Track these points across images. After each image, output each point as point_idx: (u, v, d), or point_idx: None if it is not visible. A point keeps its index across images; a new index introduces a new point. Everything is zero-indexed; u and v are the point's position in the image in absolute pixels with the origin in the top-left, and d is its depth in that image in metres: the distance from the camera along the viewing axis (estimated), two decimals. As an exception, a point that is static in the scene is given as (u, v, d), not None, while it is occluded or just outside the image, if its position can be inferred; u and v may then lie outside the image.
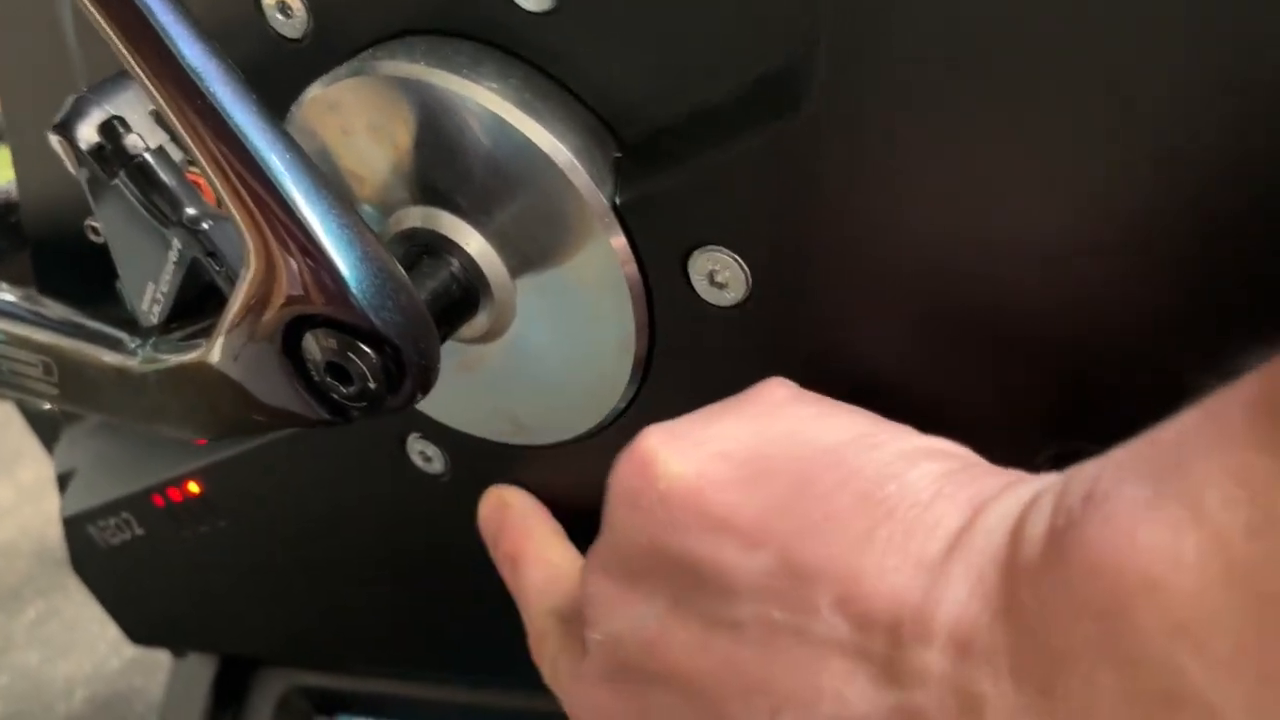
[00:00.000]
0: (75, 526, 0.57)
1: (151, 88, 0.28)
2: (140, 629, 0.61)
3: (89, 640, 1.03)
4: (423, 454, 0.40)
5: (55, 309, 0.42)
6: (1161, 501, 0.17)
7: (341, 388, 0.30)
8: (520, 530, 0.37)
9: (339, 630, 0.53)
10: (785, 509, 0.23)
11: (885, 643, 0.21)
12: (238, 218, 0.29)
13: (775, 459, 0.24)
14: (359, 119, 0.32)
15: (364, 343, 0.29)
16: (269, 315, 0.30)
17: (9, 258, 0.54)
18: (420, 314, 0.30)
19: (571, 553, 0.36)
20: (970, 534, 0.21)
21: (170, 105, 0.28)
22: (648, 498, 0.25)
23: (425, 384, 0.31)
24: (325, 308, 0.29)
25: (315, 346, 0.30)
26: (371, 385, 0.30)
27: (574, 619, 0.31)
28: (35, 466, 1.19)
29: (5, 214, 0.55)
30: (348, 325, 0.29)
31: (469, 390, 0.36)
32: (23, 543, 1.17)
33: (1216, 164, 0.23)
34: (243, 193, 0.29)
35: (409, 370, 0.30)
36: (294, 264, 0.29)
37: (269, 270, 0.29)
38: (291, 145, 0.29)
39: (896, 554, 0.21)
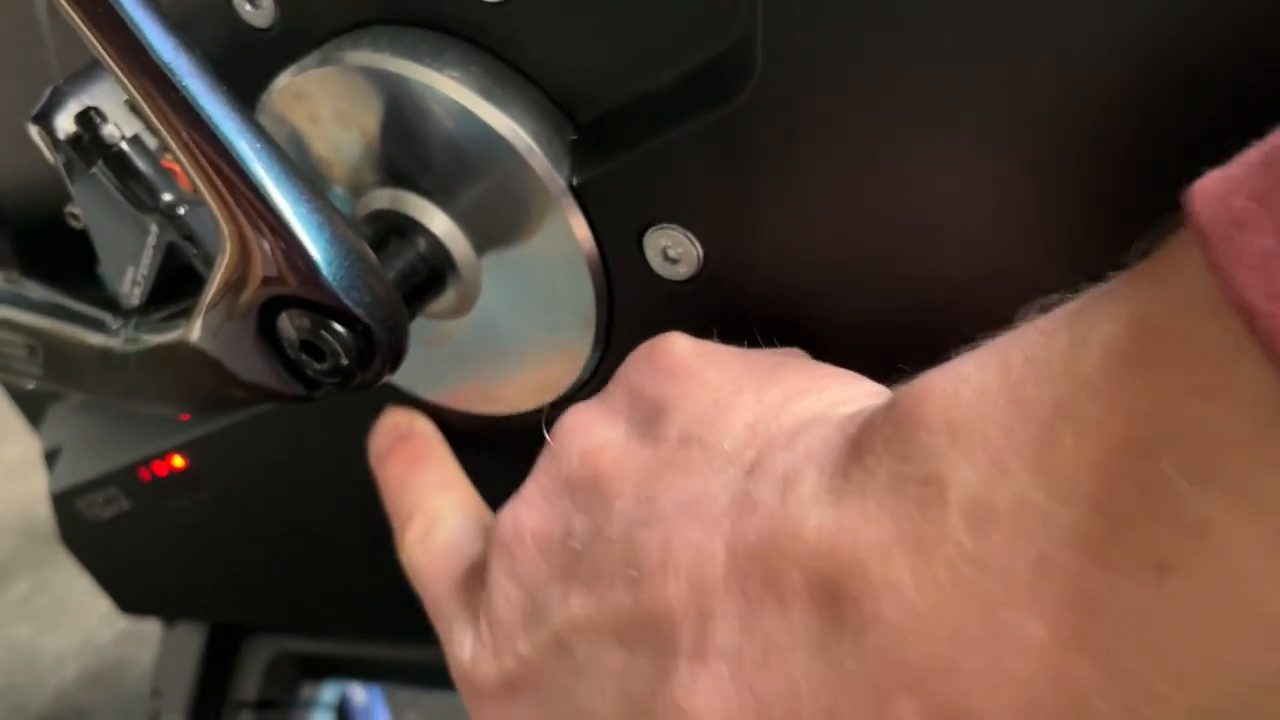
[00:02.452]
0: (63, 501, 0.58)
1: (124, 80, 0.30)
2: (130, 599, 0.63)
3: (79, 613, 1.05)
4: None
5: (38, 292, 0.43)
6: (968, 357, 0.21)
7: (315, 364, 0.32)
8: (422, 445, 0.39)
9: (324, 596, 0.55)
10: (744, 378, 0.28)
11: (757, 452, 0.25)
12: (211, 204, 0.30)
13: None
14: (326, 107, 0.33)
15: (335, 321, 0.31)
16: (244, 296, 0.31)
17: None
18: (389, 292, 0.31)
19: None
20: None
21: (143, 97, 0.30)
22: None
23: (395, 359, 0.32)
24: (298, 288, 0.31)
25: (289, 325, 0.31)
26: (344, 362, 0.31)
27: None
28: (20, 444, 1.20)
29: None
30: (319, 305, 0.31)
31: (439, 364, 0.38)
32: (9, 519, 1.19)
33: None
34: (216, 180, 0.30)
35: (379, 347, 0.31)
36: (267, 247, 0.30)
37: (243, 254, 0.31)
38: (261, 133, 0.30)
39: (808, 409, 0.26)
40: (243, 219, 0.30)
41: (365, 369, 0.32)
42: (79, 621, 1.05)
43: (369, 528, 0.49)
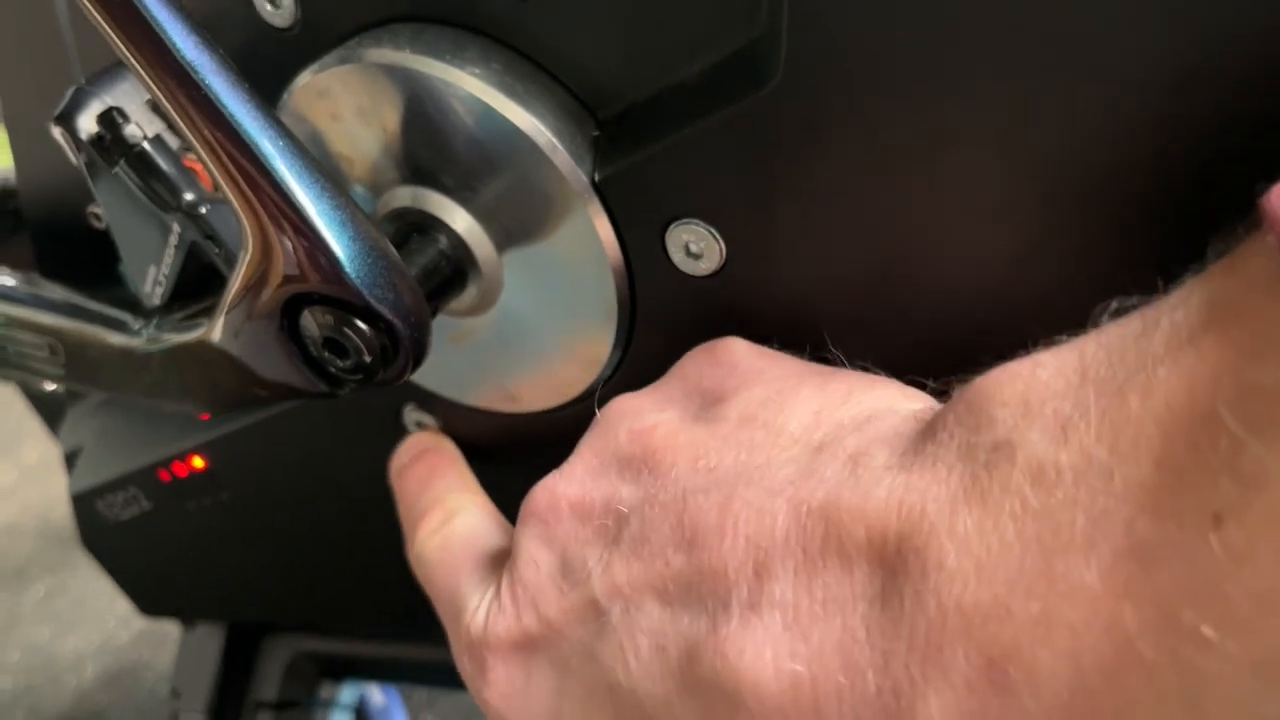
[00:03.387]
0: (83, 503, 0.59)
1: (147, 80, 0.30)
2: (149, 600, 0.63)
3: (97, 615, 1.06)
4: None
5: (58, 292, 0.43)
6: (1046, 349, 0.22)
7: (338, 361, 0.32)
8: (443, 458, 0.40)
9: (343, 595, 0.55)
10: (806, 374, 0.29)
11: (824, 434, 0.26)
12: (234, 202, 0.30)
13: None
14: (348, 105, 0.33)
15: (359, 318, 0.31)
16: (267, 294, 0.31)
17: (8, 242, 0.56)
18: (412, 289, 0.31)
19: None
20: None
21: (165, 96, 0.30)
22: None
23: (418, 357, 0.32)
24: (321, 286, 0.31)
25: (312, 323, 0.31)
26: (367, 359, 0.31)
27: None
28: (38, 447, 1.20)
29: (4, 199, 0.57)
30: (343, 302, 0.31)
31: (461, 361, 0.38)
32: (27, 522, 1.19)
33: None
34: (238, 178, 0.30)
35: (402, 344, 0.31)
36: (289, 245, 0.30)
37: (265, 252, 0.31)
38: (284, 132, 0.30)
39: (874, 401, 0.27)
40: (265, 216, 0.30)
41: (388, 366, 0.32)
42: (97, 623, 1.05)
43: (388, 527, 0.49)
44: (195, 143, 0.30)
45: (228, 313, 0.33)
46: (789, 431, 0.26)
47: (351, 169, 0.35)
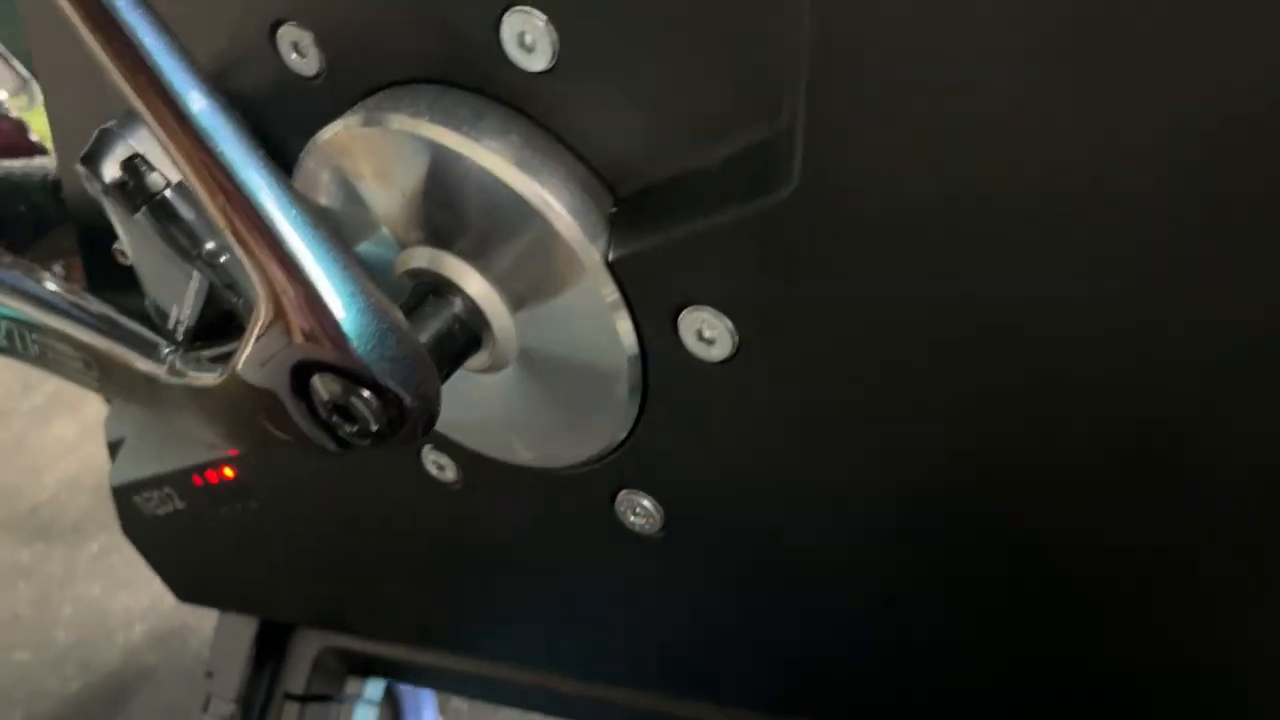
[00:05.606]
0: (123, 495, 0.60)
1: (161, 138, 0.29)
2: (185, 590, 0.64)
3: (148, 575, 1.08)
4: (436, 464, 0.41)
5: (97, 307, 0.44)
6: None
7: (346, 426, 0.32)
8: None
9: (364, 605, 0.56)
10: None
11: None
12: (247, 267, 0.30)
13: None
14: (368, 165, 0.33)
15: (365, 389, 0.30)
16: (278, 358, 0.31)
17: (51, 230, 0.57)
18: (420, 361, 0.31)
19: None
20: None
21: (180, 157, 0.30)
22: None
23: (427, 424, 0.32)
24: (329, 355, 0.30)
25: (322, 388, 0.31)
26: (373, 427, 0.31)
27: None
28: (97, 404, 1.23)
29: (50, 190, 0.58)
30: (350, 373, 0.30)
31: (477, 414, 0.38)
32: (85, 478, 1.22)
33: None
34: (252, 247, 0.30)
35: (409, 414, 0.31)
36: (299, 314, 0.30)
37: (277, 318, 0.31)
38: (296, 199, 0.30)
39: None
40: (277, 285, 0.30)
41: (396, 433, 0.32)
42: (146, 584, 1.08)
43: (406, 551, 0.49)
44: (208, 206, 0.30)
45: (241, 368, 0.33)
46: None
47: (372, 223, 0.34)
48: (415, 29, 0.31)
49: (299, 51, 0.33)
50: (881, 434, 0.30)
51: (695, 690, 0.43)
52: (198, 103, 0.29)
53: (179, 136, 0.29)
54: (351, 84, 0.33)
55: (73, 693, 1.00)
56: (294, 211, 0.30)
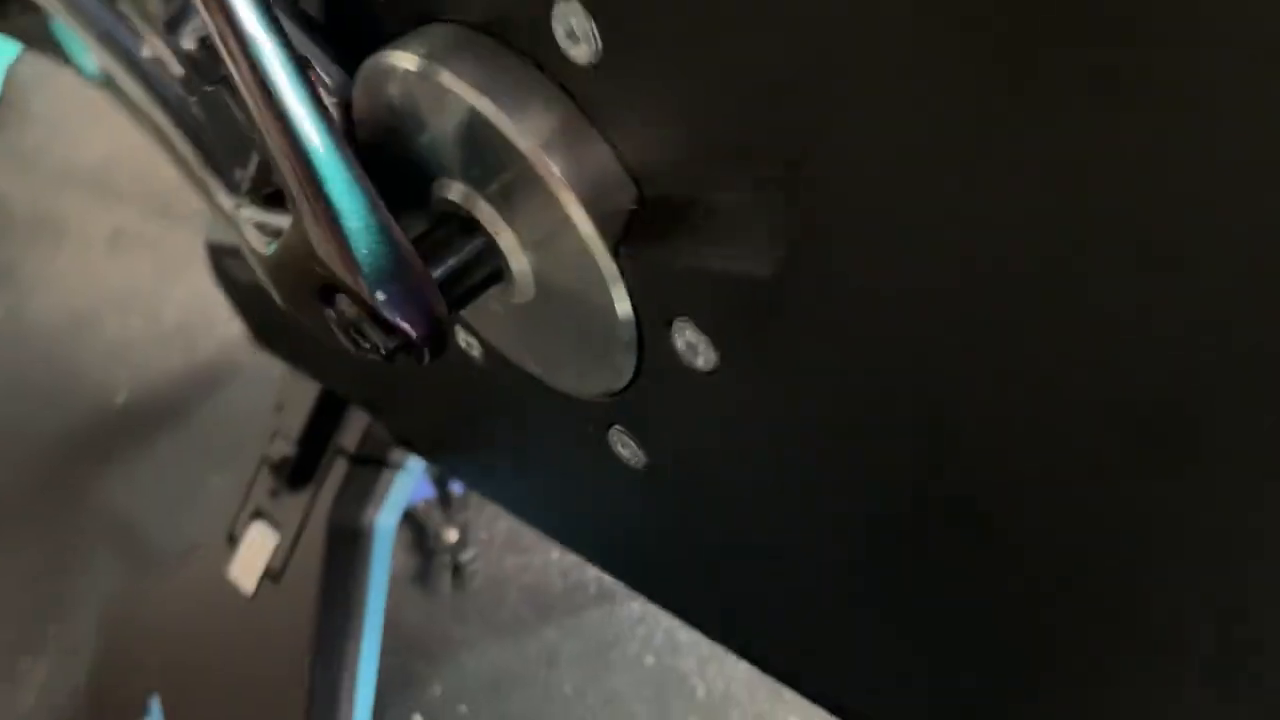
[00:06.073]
0: (214, 252, 0.65)
1: (216, 42, 0.31)
2: (260, 339, 0.70)
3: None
4: (466, 341, 0.44)
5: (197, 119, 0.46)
6: None
7: (362, 342, 0.34)
8: None
9: (398, 409, 0.60)
10: None
11: None
12: (285, 186, 0.32)
13: None
14: (417, 99, 0.34)
15: (377, 325, 0.33)
16: (305, 272, 0.34)
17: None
18: (427, 296, 0.33)
19: None
20: None
21: (229, 62, 0.31)
22: None
23: (435, 353, 0.34)
24: (344, 281, 0.33)
25: (344, 307, 0.34)
26: (383, 351, 0.34)
27: None
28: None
29: None
30: (361, 302, 0.33)
31: (498, 321, 0.40)
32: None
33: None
34: (286, 170, 0.32)
35: (416, 346, 0.34)
36: (318, 238, 0.32)
37: (303, 242, 0.33)
38: (331, 131, 0.31)
39: None
40: (309, 216, 0.32)
41: (407, 354, 0.34)
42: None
43: (444, 388, 0.52)
44: (258, 130, 0.32)
45: (276, 266, 0.35)
46: None
47: (416, 149, 0.35)
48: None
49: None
50: (838, 459, 0.32)
51: (638, 583, 0.47)
52: (257, 30, 0.30)
53: (230, 43, 0.31)
54: (414, 7, 0.34)
55: (173, 369, 1.10)
56: (325, 141, 0.31)
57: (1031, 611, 0.30)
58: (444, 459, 0.63)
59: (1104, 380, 0.24)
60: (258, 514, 0.77)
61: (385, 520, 0.72)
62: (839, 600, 0.37)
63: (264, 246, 0.38)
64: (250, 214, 0.40)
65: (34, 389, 1.06)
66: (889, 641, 0.36)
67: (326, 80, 0.37)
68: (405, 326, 0.33)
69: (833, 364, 0.29)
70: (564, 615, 0.85)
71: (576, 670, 0.82)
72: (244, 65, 0.31)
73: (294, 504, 0.74)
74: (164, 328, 1.14)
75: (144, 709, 0.81)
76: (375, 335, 0.33)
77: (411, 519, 0.91)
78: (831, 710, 0.40)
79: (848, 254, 0.27)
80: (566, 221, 0.32)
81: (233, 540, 0.78)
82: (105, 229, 1.25)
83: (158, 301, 1.16)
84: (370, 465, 0.73)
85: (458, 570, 0.90)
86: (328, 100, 0.36)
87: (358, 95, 0.36)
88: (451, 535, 0.90)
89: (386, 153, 0.36)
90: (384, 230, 0.32)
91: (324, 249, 0.32)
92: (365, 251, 0.32)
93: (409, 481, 0.73)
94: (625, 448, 0.39)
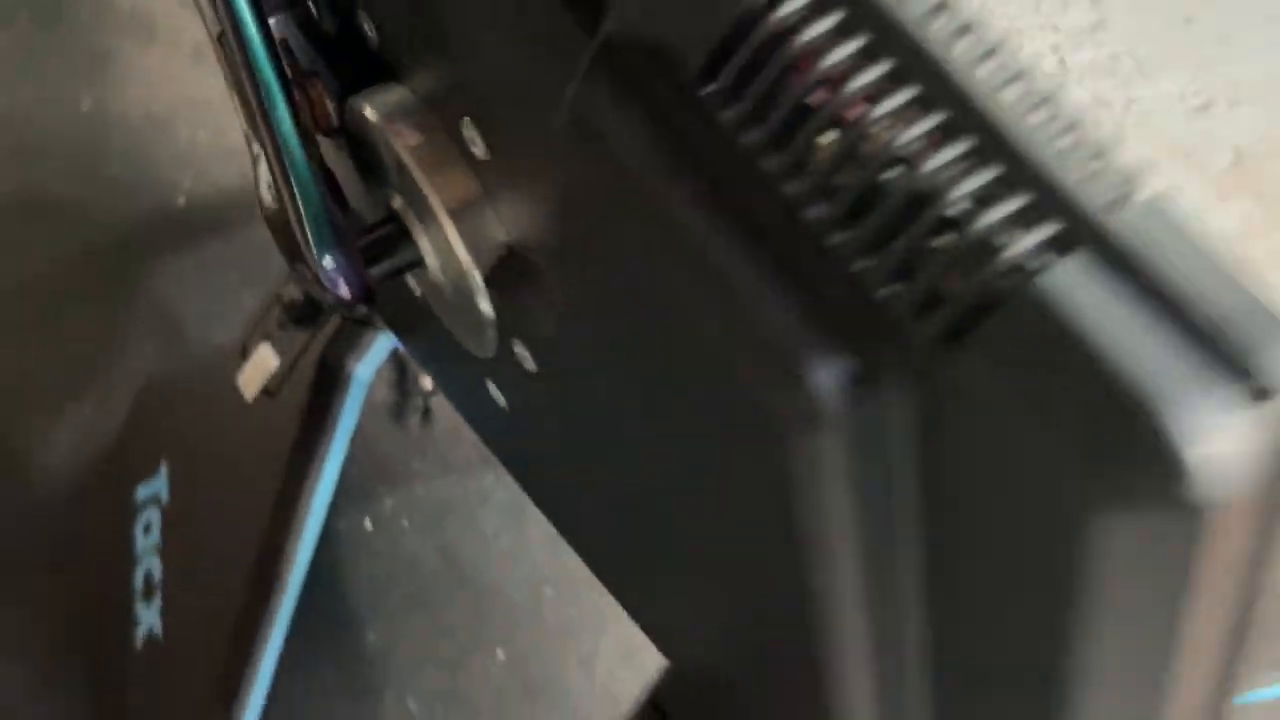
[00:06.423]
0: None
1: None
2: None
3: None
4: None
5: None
6: None
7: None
8: None
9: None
10: None
11: None
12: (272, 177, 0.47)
13: None
14: (380, 141, 0.48)
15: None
16: (285, 235, 0.49)
17: None
18: (354, 269, 0.48)
19: None
20: None
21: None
22: None
23: (361, 311, 0.50)
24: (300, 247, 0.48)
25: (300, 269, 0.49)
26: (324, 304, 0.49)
27: None
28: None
29: None
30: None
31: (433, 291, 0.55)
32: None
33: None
34: (276, 171, 0.46)
35: (348, 303, 0.49)
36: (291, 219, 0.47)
37: (283, 211, 0.48)
38: (303, 143, 0.46)
39: None
40: (285, 199, 0.47)
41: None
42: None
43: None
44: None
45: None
46: None
47: (384, 163, 0.50)
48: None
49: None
50: (599, 434, 0.47)
51: (528, 487, 0.63)
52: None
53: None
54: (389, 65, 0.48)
55: (230, 185, 1.25)
56: (300, 158, 0.46)
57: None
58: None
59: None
60: (266, 337, 0.94)
61: (363, 371, 0.88)
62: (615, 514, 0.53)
63: (270, 201, 0.53)
64: (264, 172, 0.55)
65: (106, 180, 1.22)
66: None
67: (329, 88, 0.51)
68: (342, 289, 0.48)
69: (582, 391, 0.44)
70: (502, 467, 1.02)
71: (501, 515, 1.00)
72: (247, 79, 0.45)
73: (295, 339, 0.90)
74: (225, 146, 1.28)
75: (156, 469, 1.01)
76: (318, 291, 0.49)
77: (397, 360, 1.07)
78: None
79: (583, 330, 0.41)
80: (455, 250, 0.47)
81: (244, 353, 0.96)
82: (191, 39, 1.39)
83: (227, 117, 1.31)
84: (359, 324, 0.89)
85: (427, 412, 1.08)
86: (330, 104, 0.51)
87: (348, 114, 0.50)
88: (427, 382, 1.07)
89: (365, 154, 0.51)
90: (328, 216, 0.47)
91: (292, 223, 0.48)
92: (313, 229, 0.47)
93: (388, 344, 0.90)
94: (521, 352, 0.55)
